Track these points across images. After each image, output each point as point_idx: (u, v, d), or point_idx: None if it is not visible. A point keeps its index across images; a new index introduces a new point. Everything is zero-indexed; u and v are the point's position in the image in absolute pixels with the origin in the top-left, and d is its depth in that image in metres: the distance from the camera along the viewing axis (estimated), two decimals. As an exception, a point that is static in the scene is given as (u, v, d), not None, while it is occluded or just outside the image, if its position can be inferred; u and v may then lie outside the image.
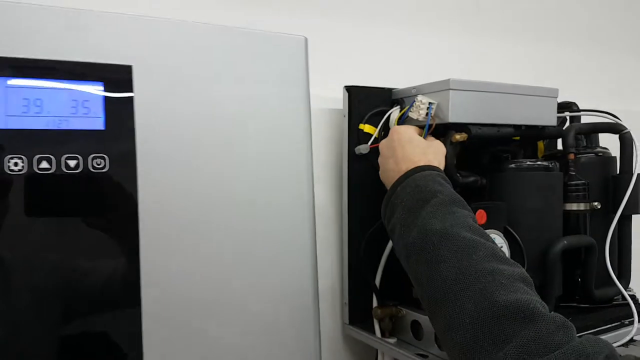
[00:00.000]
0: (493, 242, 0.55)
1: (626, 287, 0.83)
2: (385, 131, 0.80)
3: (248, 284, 0.54)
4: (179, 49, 0.48)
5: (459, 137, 0.71)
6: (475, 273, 0.49)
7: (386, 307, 0.77)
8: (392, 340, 0.76)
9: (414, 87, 0.77)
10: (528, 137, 0.84)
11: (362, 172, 0.80)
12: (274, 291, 0.56)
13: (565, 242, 0.72)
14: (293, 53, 0.50)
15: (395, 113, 0.79)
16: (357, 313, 0.80)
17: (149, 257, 0.47)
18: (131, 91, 0.47)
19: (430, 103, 0.73)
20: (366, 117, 0.80)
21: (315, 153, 0.83)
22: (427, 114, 0.73)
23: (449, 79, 0.70)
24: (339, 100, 0.81)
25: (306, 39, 0.52)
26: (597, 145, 0.89)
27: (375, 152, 0.80)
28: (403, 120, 0.77)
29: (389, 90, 0.82)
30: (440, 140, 0.74)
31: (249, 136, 0.50)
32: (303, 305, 0.62)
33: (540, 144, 0.95)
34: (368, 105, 0.80)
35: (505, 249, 0.68)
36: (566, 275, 0.79)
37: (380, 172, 0.72)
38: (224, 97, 0.49)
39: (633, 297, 0.85)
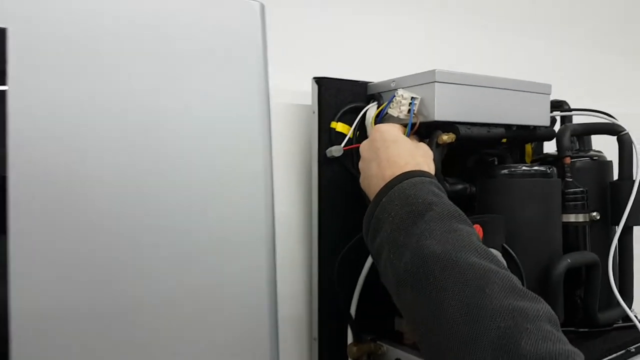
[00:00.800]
0: (506, 268, 0.44)
1: (629, 307, 0.74)
2: (360, 131, 0.69)
3: (181, 320, 0.41)
4: (81, 10, 0.34)
5: (446, 137, 0.61)
6: (492, 313, 0.38)
7: (363, 343, 0.65)
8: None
9: (393, 80, 0.66)
10: (518, 139, 0.75)
11: (334, 178, 0.68)
12: (217, 326, 0.43)
13: (569, 260, 0.63)
14: (244, 23, 0.38)
15: (372, 110, 0.68)
16: (329, 351, 0.67)
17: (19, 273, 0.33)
18: (3, 66, 0.33)
19: (412, 98, 0.62)
20: (339, 114, 0.68)
21: (281, 156, 0.71)
22: (409, 110, 0.62)
23: (434, 70, 0.60)
24: (309, 95, 0.69)
25: (262, 5, 0.40)
26: (590, 148, 0.81)
27: (349, 155, 0.69)
28: (381, 118, 0.66)
29: (364, 84, 0.71)
30: (425, 142, 0.64)
31: (182, 129, 0.38)
32: (257, 342, 0.49)
33: (528, 148, 0.86)
34: (341, 100, 0.69)
35: (505, 270, 0.58)
36: (565, 296, 0.69)
37: (360, 180, 0.61)
38: (149, 78, 0.36)
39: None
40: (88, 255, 0.36)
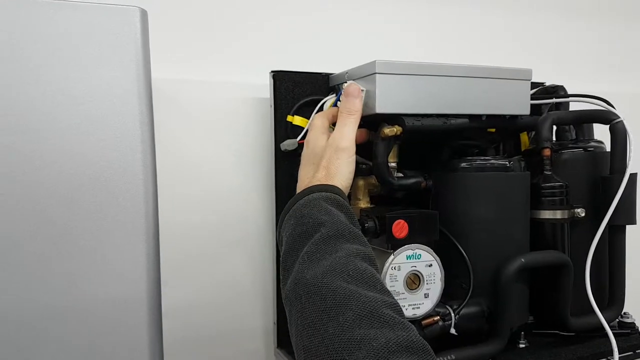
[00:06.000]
0: (384, 290, 0.41)
1: (618, 313, 0.67)
2: (320, 124, 0.69)
3: (51, 326, 0.41)
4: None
5: (388, 131, 0.59)
6: (340, 345, 0.36)
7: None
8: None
9: (347, 72, 0.65)
10: (501, 129, 0.70)
11: (292, 172, 0.69)
12: (93, 329, 0.43)
13: (523, 260, 0.58)
14: (124, 27, 0.40)
15: (328, 102, 0.68)
16: (287, 336, 0.69)
17: None
18: None
19: (360, 90, 0.61)
20: (294, 108, 0.69)
21: (243, 151, 0.74)
22: (355, 103, 0.61)
23: (374, 61, 0.58)
24: (267, 88, 0.70)
25: (143, 11, 0.42)
26: (591, 137, 0.73)
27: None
28: (333, 111, 0.66)
29: (326, 75, 0.70)
30: (372, 135, 0.62)
31: (60, 128, 0.41)
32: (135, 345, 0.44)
33: (524, 137, 0.80)
34: (299, 93, 0.69)
35: (436, 269, 0.55)
36: (540, 297, 0.65)
37: None
38: (26, 80, 0.39)
39: (631, 325, 0.69)
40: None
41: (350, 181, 0.56)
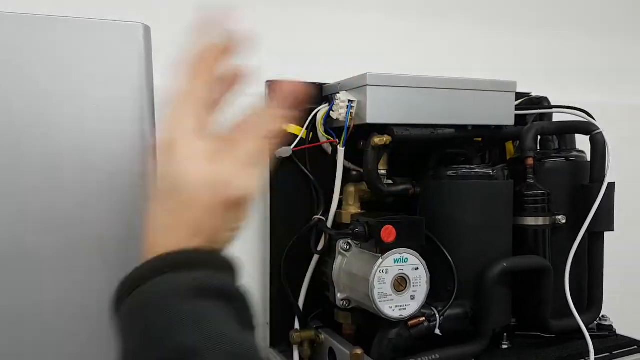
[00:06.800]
0: None
1: (596, 316, 0.70)
2: (313, 132, 0.72)
3: (48, 324, 0.43)
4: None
5: (378, 140, 0.62)
6: None
7: (305, 330, 0.69)
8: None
9: (339, 83, 0.68)
10: (486, 138, 0.73)
11: (286, 178, 0.72)
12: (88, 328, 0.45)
13: (505, 264, 0.61)
14: (128, 43, 0.43)
15: (322, 111, 0.71)
16: (280, 335, 0.72)
17: None
18: None
19: (350, 101, 0.64)
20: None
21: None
22: (347, 113, 0.64)
23: (365, 74, 0.61)
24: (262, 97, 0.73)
25: (146, 27, 0.44)
26: (573, 147, 0.76)
27: (300, 155, 0.72)
28: (325, 120, 0.69)
29: (320, 85, 0.73)
30: (361, 144, 0.65)
31: (65, 141, 0.43)
32: None
33: (510, 146, 0.83)
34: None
35: (422, 272, 0.58)
36: (522, 300, 0.67)
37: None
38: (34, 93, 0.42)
39: (609, 327, 0.72)
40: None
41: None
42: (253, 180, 0.33)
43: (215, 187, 0.32)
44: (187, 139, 0.32)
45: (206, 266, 0.31)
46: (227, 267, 0.32)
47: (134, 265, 0.31)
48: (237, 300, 0.31)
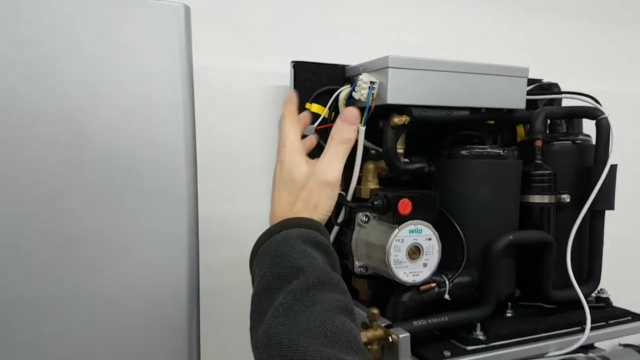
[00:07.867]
0: (360, 350, 0.41)
1: (594, 289, 0.76)
2: (335, 111, 0.76)
3: (100, 319, 0.47)
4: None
5: (397, 120, 0.66)
6: None
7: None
8: None
9: (362, 65, 0.72)
10: (499, 121, 0.78)
11: (310, 155, 0.76)
12: (135, 325, 0.49)
13: (511, 237, 0.66)
14: (169, 22, 0.47)
15: (344, 92, 0.75)
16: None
17: None
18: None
19: (371, 82, 0.68)
20: (313, 96, 0.76)
21: (264, 134, 0.81)
22: (368, 94, 0.68)
23: (387, 56, 0.65)
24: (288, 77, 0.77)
25: (186, 7, 0.48)
26: (580, 131, 0.81)
27: (323, 134, 0.76)
28: (347, 101, 0.73)
29: (342, 67, 0.77)
30: (381, 124, 0.70)
31: (106, 124, 0.47)
32: (175, 343, 0.51)
33: (520, 129, 0.87)
34: (317, 83, 0.76)
35: (435, 242, 0.63)
36: (526, 273, 0.73)
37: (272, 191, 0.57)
38: (75, 73, 0.44)
39: (606, 299, 0.78)
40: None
41: (329, 214, 0.54)
42: (339, 170, 0.54)
43: (317, 174, 0.53)
44: (297, 147, 0.57)
45: (310, 227, 0.49)
46: (322, 230, 0.51)
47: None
48: (328, 251, 0.48)
